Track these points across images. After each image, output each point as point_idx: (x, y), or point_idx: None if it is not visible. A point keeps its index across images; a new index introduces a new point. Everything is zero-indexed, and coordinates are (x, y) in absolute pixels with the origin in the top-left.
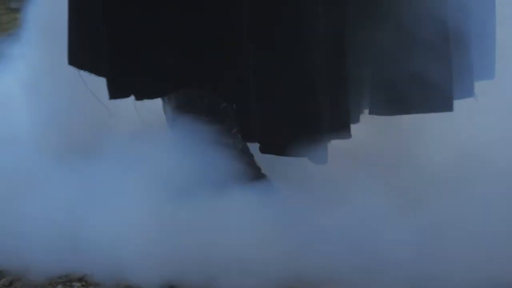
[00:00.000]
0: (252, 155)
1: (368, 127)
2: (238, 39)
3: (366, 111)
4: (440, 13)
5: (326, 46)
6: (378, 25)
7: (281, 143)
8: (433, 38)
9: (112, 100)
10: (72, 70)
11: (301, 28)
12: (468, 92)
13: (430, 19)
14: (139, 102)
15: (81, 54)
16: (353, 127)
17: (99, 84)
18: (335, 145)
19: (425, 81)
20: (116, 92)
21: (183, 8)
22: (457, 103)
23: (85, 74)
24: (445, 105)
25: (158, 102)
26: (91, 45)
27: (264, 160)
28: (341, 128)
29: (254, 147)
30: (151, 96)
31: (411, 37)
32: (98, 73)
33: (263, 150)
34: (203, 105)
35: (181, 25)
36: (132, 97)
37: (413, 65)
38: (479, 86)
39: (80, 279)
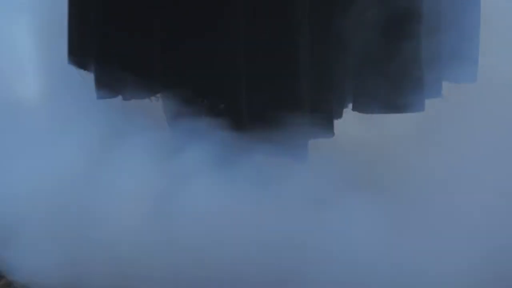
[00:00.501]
0: None
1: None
2: (230, 40)
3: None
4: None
5: (312, 48)
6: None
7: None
8: (406, 41)
9: None
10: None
11: (289, 28)
12: (436, 93)
13: (404, 21)
14: None
15: (80, 54)
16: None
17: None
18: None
19: (399, 83)
20: (103, 91)
21: (175, 8)
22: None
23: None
24: (418, 106)
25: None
26: (89, 44)
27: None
28: (323, 125)
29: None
30: (138, 97)
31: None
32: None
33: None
34: (202, 104)
35: (171, 26)
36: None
37: (386, 66)
38: (463, 88)
39: None
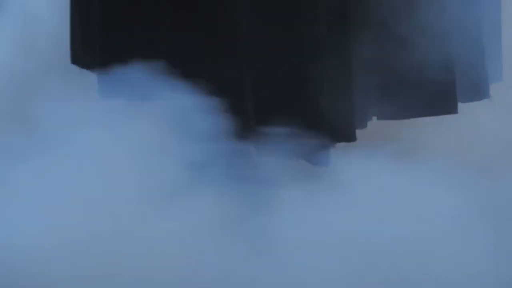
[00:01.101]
0: None
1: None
2: (236, 40)
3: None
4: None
5: (330, 48)
6: (382, 29)
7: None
8: (436, 41)
9: None
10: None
11: (303, 25)
12: (484, 94)
13: (436, 22)
14: None
15: (83, 53)
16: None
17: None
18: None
19: (430, 84)
20: (106, 92)
21: (178, 10)
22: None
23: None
24: (450, 108)
25: None
26: (91, 44)
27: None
28: (345, 129)
29: None
30: (141, 98)
31: (413, 40)
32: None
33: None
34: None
35: (176, 27)
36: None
37: (417, 67)
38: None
39: None
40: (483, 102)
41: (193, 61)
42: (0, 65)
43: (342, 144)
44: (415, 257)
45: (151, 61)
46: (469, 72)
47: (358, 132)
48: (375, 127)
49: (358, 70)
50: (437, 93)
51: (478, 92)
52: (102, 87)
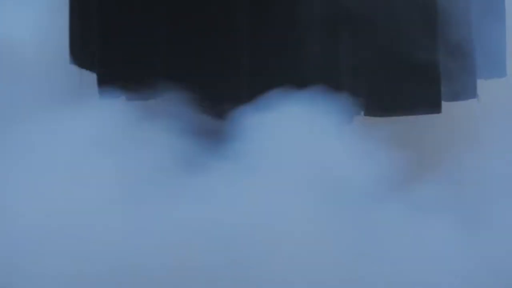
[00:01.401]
0: None
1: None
2: (234, 43)
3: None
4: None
5: (320, 50)
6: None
7: None
8: (423, 39)
9: None
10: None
11: (295, 30)
12: (471, 94)
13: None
14: None
15: (82, 53)
16: None
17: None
18: None
19: (413, 84)
20: (106, 91)
21: (177, 11)
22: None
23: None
24: (433, 107)
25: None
26: (91, 43)
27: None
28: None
29: None
30: (141, 98)
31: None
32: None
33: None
34: (203, 105)
35: (174, 28)
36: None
37: (402, 66)
38: (489, 84)
39: None
40: None
41: (192, 60)
42: None
43: None
44: None
45: (149, 61)
46: (457, 71)
47: None
48: None
49: (348, 70)
50: (422, 92)
51: (466, 91)
52: (102, 87)
